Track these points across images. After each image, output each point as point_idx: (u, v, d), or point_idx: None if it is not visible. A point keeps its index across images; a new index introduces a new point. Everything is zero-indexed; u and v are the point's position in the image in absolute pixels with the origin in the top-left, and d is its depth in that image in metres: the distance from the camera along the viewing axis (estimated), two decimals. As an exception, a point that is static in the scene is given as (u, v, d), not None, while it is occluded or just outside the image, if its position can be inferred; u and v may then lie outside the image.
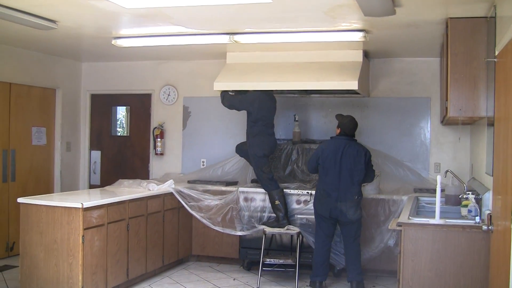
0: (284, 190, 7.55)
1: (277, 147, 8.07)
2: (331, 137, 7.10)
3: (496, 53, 4.52)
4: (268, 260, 7.26)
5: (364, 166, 6.80)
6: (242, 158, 8.30)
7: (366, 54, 7.91)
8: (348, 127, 6.92)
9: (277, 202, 7.40)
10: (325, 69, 7.54)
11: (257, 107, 7.47)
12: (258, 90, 7.58)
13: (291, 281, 7.23)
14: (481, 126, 6.10)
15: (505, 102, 4.06)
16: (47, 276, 6.02)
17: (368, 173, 6.91)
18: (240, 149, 8.07)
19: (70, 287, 5.92)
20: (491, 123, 4.95)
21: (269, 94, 7.68)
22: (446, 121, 6.54)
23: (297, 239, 7.22)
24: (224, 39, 6.98)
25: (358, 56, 7.62)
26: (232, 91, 7.81)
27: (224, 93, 7.75)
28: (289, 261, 7.23)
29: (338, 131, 6.99)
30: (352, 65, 7.51)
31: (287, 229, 7.27)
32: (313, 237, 7.18)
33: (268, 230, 7.28)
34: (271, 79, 7.57)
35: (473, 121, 6.51)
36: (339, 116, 7.05)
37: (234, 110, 7.92)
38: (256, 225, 7.54)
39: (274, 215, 7.50)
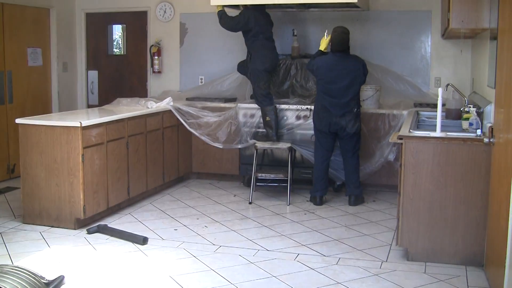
0: (283, 105, 7.54)
1: (279, 63, 7.99)
2: (325, 52, 7.00)
3: (502, -40, 4.39)
4: (260, 175, 7.29)
5: (364, 78, 6.81)
6: (241, 74, 8.24)
7: (366, -34, 7.71)
8: (334, 42, 6.83)
9: (268, 118, 7.41)
10: (324, -19, 7.36)
11: (253, 22, 7.42)
12: (249, 9, 7.48)
13: (286, 196, 7.24)
14: (483, 40, 6.00)
15: (510, 13, 3.97)
16: (48, 196, 6.06)
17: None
18: (241, 67, 8.04)
19: (71, 206, 5.97)
20: (494, 36, 4.86)
21: (261, 9, 7.62)
22: (447, 34, 6.44)
23: (289, 154, 7.24)
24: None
25: (357, -32, 7.43)
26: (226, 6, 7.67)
27: (221, 14, 7.57)
28: (281, 176, 7.26)
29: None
30: (351, -23, 7.32)
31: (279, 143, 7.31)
32: (311, 151, 7.21)
33: (260, 145, 7.29)
34: (269, -8, 7.40)
35: (475, 33, 6.41)
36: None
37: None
38: (248, 139, 7.57)
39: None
